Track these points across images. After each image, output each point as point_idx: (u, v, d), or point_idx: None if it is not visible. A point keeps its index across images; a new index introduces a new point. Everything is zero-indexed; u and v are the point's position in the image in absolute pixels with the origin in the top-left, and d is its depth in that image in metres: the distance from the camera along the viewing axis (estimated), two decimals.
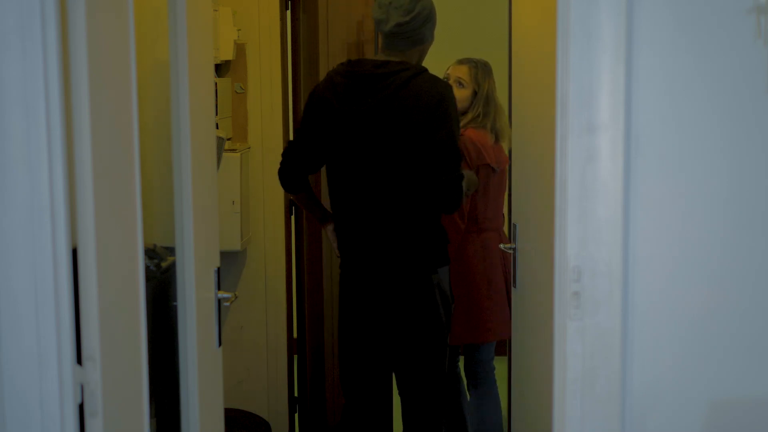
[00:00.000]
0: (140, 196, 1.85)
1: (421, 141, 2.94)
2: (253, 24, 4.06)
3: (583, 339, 1.60)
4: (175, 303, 2.23)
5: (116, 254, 1.75)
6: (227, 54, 3.87)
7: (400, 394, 3.26)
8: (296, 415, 4.45)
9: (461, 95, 3.66)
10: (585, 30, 1.54)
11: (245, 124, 4.11)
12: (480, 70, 3.74)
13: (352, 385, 3.27)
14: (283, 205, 4.18)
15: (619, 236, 1.57)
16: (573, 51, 1.55)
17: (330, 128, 3.06)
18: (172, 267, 2.26)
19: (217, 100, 3.57)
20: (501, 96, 3.79)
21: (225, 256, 3.93)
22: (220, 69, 4.02)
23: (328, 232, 3.34)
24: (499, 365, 4.17)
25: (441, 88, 2.97)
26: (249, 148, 4.09)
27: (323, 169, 3.33)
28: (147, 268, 2.08)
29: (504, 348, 3.99)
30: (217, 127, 3.41)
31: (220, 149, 3.51)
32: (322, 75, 4.23)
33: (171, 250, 2.26)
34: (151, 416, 2.30)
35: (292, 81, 4.28)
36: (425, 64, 3.15)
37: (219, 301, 2.40)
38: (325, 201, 4.00)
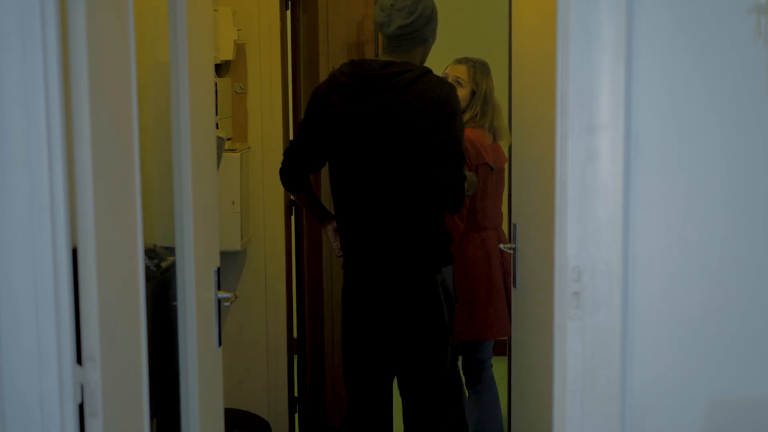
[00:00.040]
0: (140, 196, 1.85)
1: (426, 141, 2.94)
2: (253, 24, 4.06)
3: (583, 339, 1.60)
4: (175, 303, 2.23)
5: (116, 254, 1.75)
6: (227, 54, 3.87)
7: (401, 394, 3.26)
8: (296, 415, 4.45)
9: (459, 95, 3.66)
10: (585, 30, 1.54)
11: (245, 124, 4.11)
12: (478, 69, 3.76)
13: (356, 385, 3.28)
14: (283, 205, 4.18)
15: (619, 236, 1.57)
16: (573, 51, 1.55)
17: (334, 128, 3.06)
18: (172, 267, 2.26)
19: (217, 100, 3.57)
20: (501, 96, 3.80)
21: (225, 256, 3.93)
22: (220, 69, 4.02)
23: (329, 232, 3.34)
24: (499, 365, 4.17)
25: (446, 89, 2.98)
26: (249, 148, 4.09)
27: (323, 169, 3.34)
28: (147, 268, 2.08)
29: (504, 348, 3.99)
30: (217, 127, 3.41)
31: (220, 149, 3.51)
32: (322, 75, 4.23)
33: (171, 250, 2.26)
34: (151, 416, 2.31)
35: (292, 81, 4.28)
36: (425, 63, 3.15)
37: (219, 301, 2.40)
38: (325, 201, 4.00)
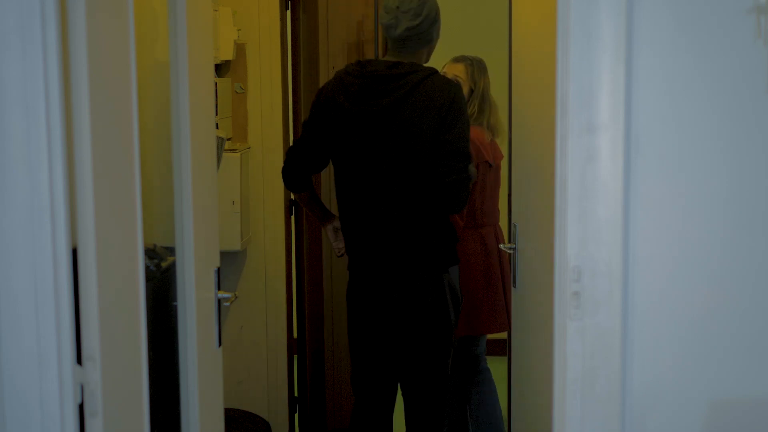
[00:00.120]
0: (140, 196, 1.85)
1: (433, 141, 2.95)
2: (253, 24, 4.06)
3: (583, 339, 1.60)
4: (175, 303, 2.23)
5: (116, 254, 1.75)
6: (227, 54, 3.87)
7: (404, 393, 3.26)
8: (296, 415, 4.45)
9: None
10: (585, 30, 1.54)
11: (245, 124, 4.11)
12: (476, 67, 3.79)
13: (364, 386, 3.28)
14: (283, 205, 4.18)
15: (619, 236, 1.57)
16: (573, 51, 1.55)
17: (340, 128, 3.06)
18: (172, 267, 2.26)
19: (217, 100, 3.57)
20: (501, 95, 3.81)
21: (225, 256, 3.93)
22: (220, 69, 4.02)
23: (329, 232, 3.35)
24: (499, 365, 4.18)
25: (453, 90, 3.00)
26: (249, 148, 4.09)
27: (323, 170, 3.34)
28: (147, 268, 2.08)
29: (504, 348, 4.00)
30: (217, 127, 3.41)
31: (220, 149, 3.51)
32: (322, 75, 4.23)
33: (171, 250, 2.26)
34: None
35: (292, 81, 4.28)
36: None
37: (219, 301, 2.40)
38: (325, 200, 4.00)
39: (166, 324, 2.27)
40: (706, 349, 1.60)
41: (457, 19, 5.54)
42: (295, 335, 4.42)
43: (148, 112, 2.28)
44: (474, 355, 3.93)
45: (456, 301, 3.18)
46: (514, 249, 3.00)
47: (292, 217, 4.34)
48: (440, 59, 3.90)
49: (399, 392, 3.35)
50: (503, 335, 3.94)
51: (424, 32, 3.06)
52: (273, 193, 4.14)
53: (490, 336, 4.04)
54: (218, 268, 2.41)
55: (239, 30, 3.93)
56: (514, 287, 3.06)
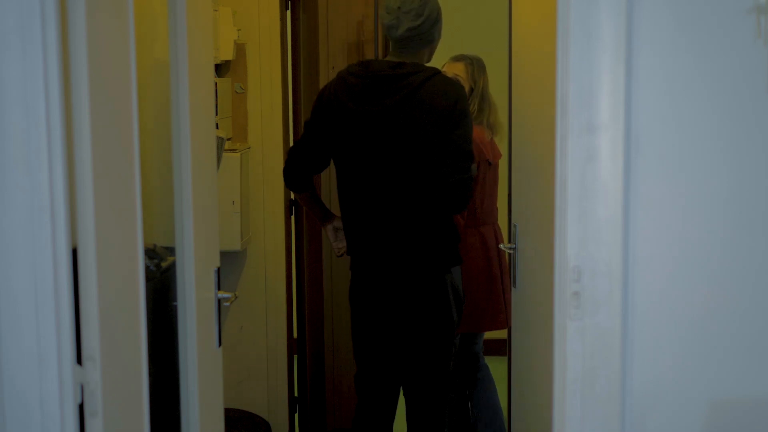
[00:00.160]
0: (140, 196, 1.85)
1: (437, 141, 2.96)
2: (253, 24, 4.06)
3: (583, 339, 1.60)
4: (175, 303, 2.22)
5: (116, 254, 1.75)
6: (227, 54, 3.87)
7: (405, 392, 3.27)
8: (296, 415, 4.45)
9: None
10: (585, 30, 1.54)
11: (245, 124, 4.11)
12: (475, 66, 3.82)
13: (367, 385, 3.29)
14: (283, 205, 4.18)
15: (619, 236, 1.57)
16: (573, 51, 1.55)
17: (343, 128, 3.06)
18: (172, 267, 2.26)
19: (217, 100, 3.57)
20: (501, 95, 3.82)
21: (225, 256, 3.93)
22: (220, 69, 4.02)
23: (329, 232, 3.35)
24: (499, 365, 4.18)
25: (457, 90, 3.00)
26: (249, 148, 4.09)
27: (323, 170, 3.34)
28: (147, 268, 2.08)
29: (504, 348, 4.01)
30: (217, 127, 3.41)
31: (220, 149, 3.51)
32: (322, 75, 4.23)
33: (171, 250, 2.26)
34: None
35: (292, 81, 4.28)
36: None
37: (219, 301, 2.40)
38: (325, 200, 4.00)
39: (166, 324, 2.27)
40: (706, 349, 1.60)
41: (457, 19, 5.53)
42: (295, 335, 4.42)
43: (148, 112, 2.28)
44: (473, 353, 3.97)
45: (459, 301, 3.18)
46: (514, 249, 3.00)
47: (292, 217, 4.34)
48: (440, 59, 3.90)
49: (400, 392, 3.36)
50: (503, 335, 3.95)
51: (426, 32, 3.06)
52: (273, 193, 4.14)
53: (490, 336, 4.05)
54: (218, 268, 2.41)
55: (239, 30, 3.93)
56: (514, 287, 3.06)
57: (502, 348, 4.20)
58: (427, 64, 3.13)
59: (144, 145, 1.90)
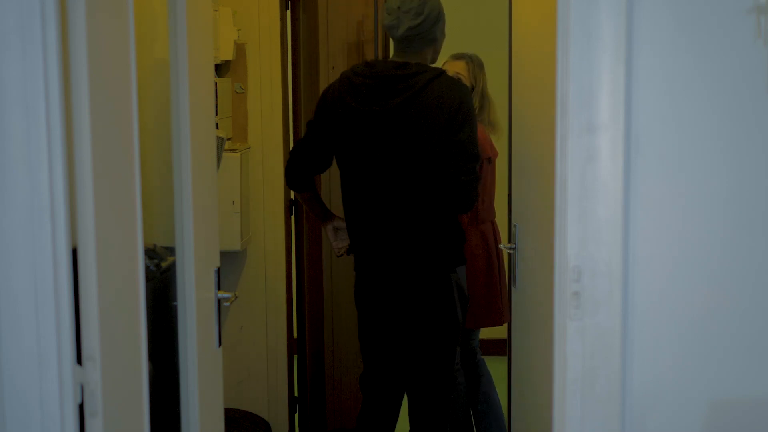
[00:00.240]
0: (140, 196, 1.85)
1: (443, 142, 2.96)
2: (253, 24, 4.06)
3: (583, 339, 1.60)
4: (175, 303, 2.22)
5: (116, 254, 1.75)
6: (227, 54, 3.87)
7: (408, 391, 3.27)
8: (296, 415, 4.45)
9: None
10: (585, 30, 1.54)
11: (245, 124, 4.11)
12: (475, 64, 3.85)
13: (373, 385, 3.29)
14: (283, 205, 4.18)
15: (619, 236, 1.57)
16: (573, 51, 1.55)
17: (347, 128, 3.06)
18: (172, 267, 2.26)
19: (217, 100, 3.57)
20: (501, 95, 3.83)
21: (225, 256, 3.93)
22: (220, 69, 4.02)
23: (329, 232, 3.35)
24: (499, 365, 4.19)
25: (462, 90, 3.01)
26: (249, 148, 4.09)
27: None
28: (147, 268, 2.08)
29: (504, 348, 4.01)
30: (217, 127, 3.40)
31: (220, 149, 3.51)
32: (322, 75, 4.23)
33: (171, 250, 2.26)
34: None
35: (292, 81, 4.28)
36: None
37: (219, 301, 2.40)
38: (325, 200, 4.00)
39: (166, 324, 2.27)
40: (706, 349, 1.60)
41: (457, 19, 5.53)
42: (295, 335, 4.42)
43: (148, 112, 2.28)
44: (471, 348, 4.00)
45: (463, 301, 3.19)
46: (514, 249, 3.00)
47: (292, 217, 4.34)
48: (439, 58, 3.90)
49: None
50: (503, 335, 3.95)
51: (426, 31, 3.06)
52: (273, 193, 4.14)
53: (490, 336, 4.07)
54: (218, 268, 2.41)
55: (239, 30, 3.93)
56: (514, 287, 3.06)
57: (502, 348, 4.20)
58: (437, 66, 3.14)
59: (144, 145, 1.90)
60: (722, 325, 1.59)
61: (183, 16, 2.12)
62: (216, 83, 3.45)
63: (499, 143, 3.89)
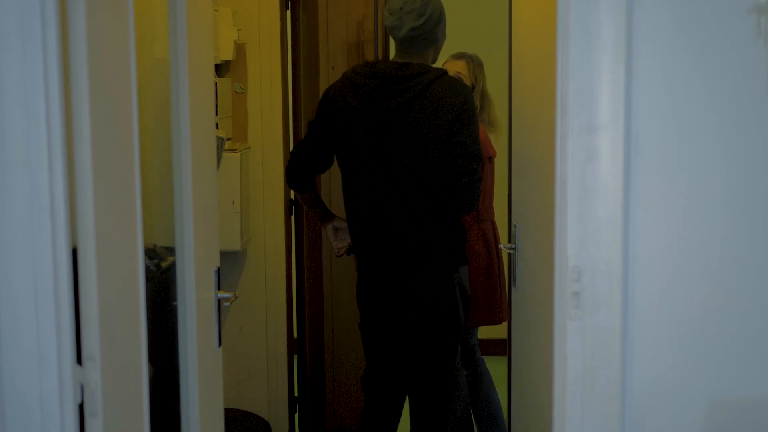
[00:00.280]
0: (140, 196, 1.84)
1: (445, 142, 2.96)
2: (253, 24, 4.06)
3: (583, 339, 1.60)
4: (175, 303, 2.22)
5: (116, 254, 1.75)
6: (227, 54, 3.87)
7: (409, 391, 3.27)
8: (296, 415, 4.45)
9: None
10: (585, 30, 1.54)
11: (245, 124, 4.11)
12: (475, 64, 3.87)
13: (375, 385, 3.29)
14: (283, 205, 4.18)
15: (619, 236, 1.57)
16: (573, 51, 1.55)
17: (349, 128, 3.06)
18: (172, 267, 2.26)
19: (217, 100, 3.57)
20: (500, 94, 3.83)
21: (225, 256, 3.93)
22: (220, 69, 4.02)
23: (329, 231, 3.35)
24: (499, 365, 4.19)
25: (464, 91, 3.02)
26: (249, 148, 4.09)
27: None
28: (147, 268, 2.08)
29: (504, 348, 4.02)
30: (217, 127, 3.40)
31: (220, 149, 3.51)
32: (322, 75, 4.23)
33: (171, 250, 2.26)
34: None
35: (292, 81, 4.28)
36: None
37: (219, 301, 2.40)
38: (325, 200, 4.00)
39: (166, 324, 2.27)
40: (706, 349, 1.60)
41: (457, 19, 5.53)
42: (295, 335, 4.42)
43: (148, 112, 2.28)
44: (470, 346, 4.00)
45: (466, 301, 3.20)
46: (514, 249, 3.00)
47: (292, 217, 4.34)
48: (440, 57, 3.91)
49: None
50: (503, 335, 3.95)
51: (429, 32, 3.07)
52: (273, 193, 4.14)
53: (490, 336, 4.07)
54: (218, 268, 2.41)
55: (239, 30, 3.93)
56: (515, 287, 3.06)
57: (502, 348, 4.20)
58: (439, 67, 3.15)
59: (144, 145, 1.90)
60: (722, 325, 1.59)
61: (183, 16, 2.12)
62: (216, 83, 3.45)
63: (499, 143, 3.89)
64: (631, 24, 1.54)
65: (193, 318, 2.20)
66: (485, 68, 3.94)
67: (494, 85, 3.99)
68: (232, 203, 3.88)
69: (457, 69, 3.81)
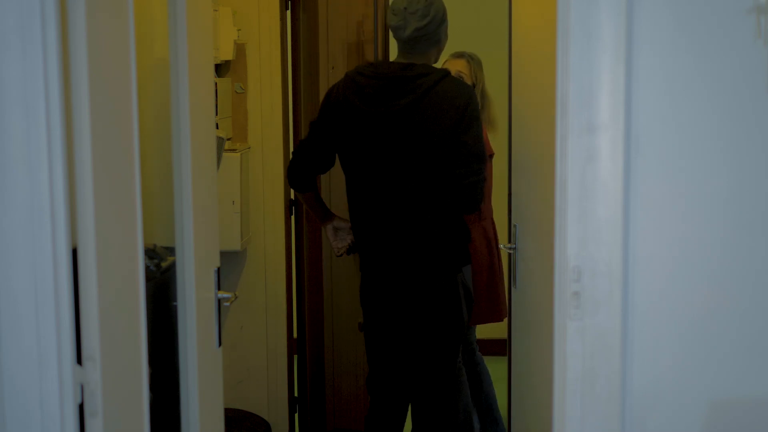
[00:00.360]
0: (140, 196, 1.85)
1: (449, 143, 2.96)
2: (253, 24, 4.06)
3: (583, 339, 1.60)
4: (175, 303, 2.22)
5: (116, 254, 1.75)
6: (227, 54, 3.87)
7: (411, 390, 3.28)
8: (296, 415, 4.45)
9: None
10: (585, 30, 1.54)
11: (245, 124, 4.11)
12: (475, 63, 3.88)
13: (379, 386, 3.29)
14: (283, 205, 4.18)
15: (619, 236, 1.57)
16: (573, 51, 1.55)
17: (353, 129, 3.06)
18: (172, 267, 2.26)
19: (217, 100, 3.57)
20: (500, 94, 3.84)
21: (225, 256, 3.93)
22: (220, 69, 4.02)
23: (328, 231, 3.35)
24: (499, 365, 4.19)
25: (468, 91, 3.03)
26: (249, 148, 4.09)
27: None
28: (147, 268, 2.08)
29: (504, 348, 4.02)
30: (217, 127, 3.40)
31: (220, 149, 3.51)
32: (322, 75, 4.23)
33: (171, 250, 2.26)
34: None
35: (292, 81, 4.28)
36: None
37: (219, 301, 2.40)
38: (325, 200, 4.00)
39: (166, 324, 2.27)
40: (706, 349, 1.60)
41: (457, 19, 5.53)
42: (295, 335, 4.42)
43: (148, 112, 2.28)
44: (468, 342, 4.01)
45: (469, 300, 3.21)
46: (514, 249, 3.00)
47: (292, 217, 4.34)
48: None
49: None
50: (503, 335, 3.95)
51: (432, 33, 3.08)
52: (273, 193, 4.14)
53: (490, 336, 4.07)
54: (218, 268, 2.41)
55: (239, 30, 3.93)
56: (515, 287, 3.06)
57: (502, 348, 4.21)
58: (442, 68, 3.15)
59: (144, 145, 1.90)
60: (722, 325, 1.59)
61: (183, 16, 2.12)
62: (216, 83, 3.45)
63: (498, 141, 3.90)
64: (631, 24, 1.54)
65: (193, 318, 2.20)
66: (485, 68, 3.95)
67: (494, 84, 4.00)
68: (232, 203, 3.88)
69: (457, 68, 3.82)
